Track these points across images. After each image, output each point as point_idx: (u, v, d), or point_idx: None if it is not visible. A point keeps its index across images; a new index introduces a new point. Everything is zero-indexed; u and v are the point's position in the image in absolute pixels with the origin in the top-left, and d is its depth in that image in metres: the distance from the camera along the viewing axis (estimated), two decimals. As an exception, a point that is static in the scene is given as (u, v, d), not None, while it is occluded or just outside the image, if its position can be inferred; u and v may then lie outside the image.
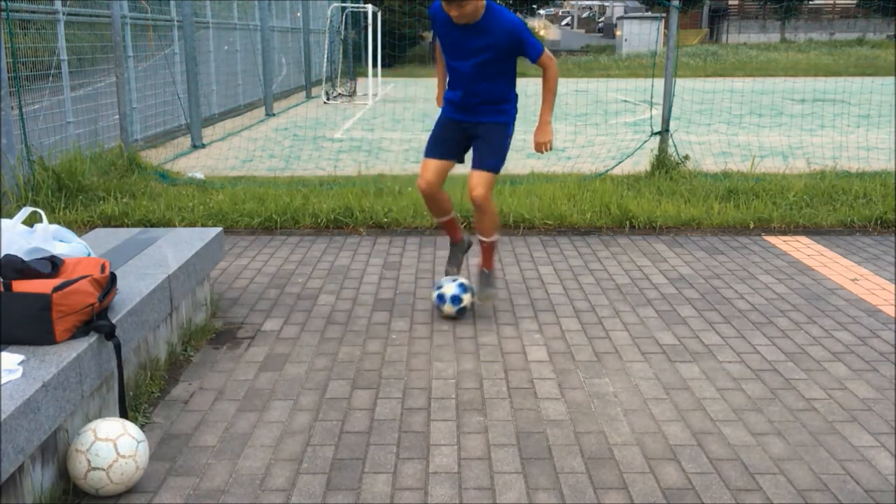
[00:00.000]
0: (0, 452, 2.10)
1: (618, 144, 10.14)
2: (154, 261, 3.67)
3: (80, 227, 5.88)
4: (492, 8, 3.90)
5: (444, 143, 4.19)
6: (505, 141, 4.15)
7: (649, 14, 38.84)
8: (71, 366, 2.51)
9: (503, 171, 4.17)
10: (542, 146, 4.10)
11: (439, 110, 4.30)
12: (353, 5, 19.98)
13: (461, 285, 4.22)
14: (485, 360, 3.70)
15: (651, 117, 8.57)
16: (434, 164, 4.16)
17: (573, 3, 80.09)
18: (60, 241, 3.25)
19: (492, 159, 4.09)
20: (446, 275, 4.41)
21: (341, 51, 19.17)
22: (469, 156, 4.21)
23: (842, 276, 5.03)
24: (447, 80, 4.20)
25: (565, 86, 19.45)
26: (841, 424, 3.11)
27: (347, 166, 8.83)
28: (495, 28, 3.89)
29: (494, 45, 3.93)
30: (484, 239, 4.24)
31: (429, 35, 42.46)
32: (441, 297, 4.21)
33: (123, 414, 2.83)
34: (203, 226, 6.02)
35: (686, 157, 7.67)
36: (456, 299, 4.18)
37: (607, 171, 7.81)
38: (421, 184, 4.17)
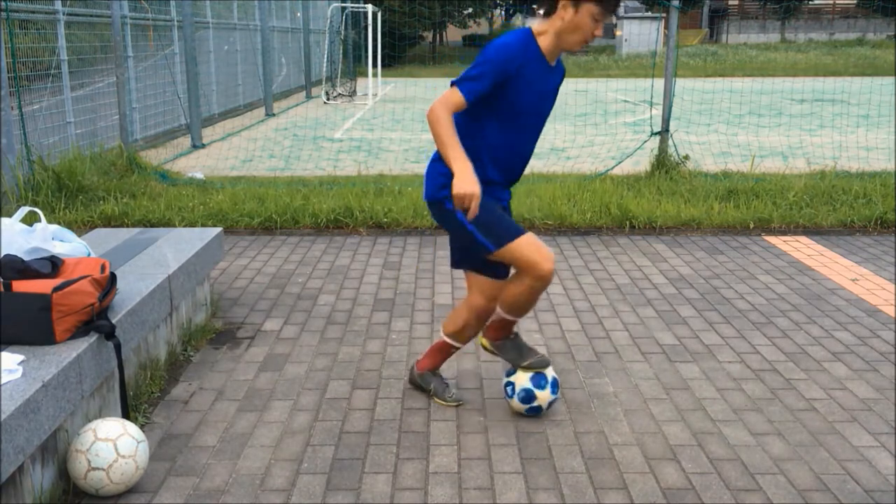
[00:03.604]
0: (0, 452, 2.10)
1: (618, 144, 10.14)
2: (154, 261, 3.67)
3: (80, 227, 5.88)
4: None
5: None
6: None
7: (649, 14, 38.77)
8: (71, 366, 2.51)
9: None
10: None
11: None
12: (353, 5, 19.98)
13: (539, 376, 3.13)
14: (485, 360, 3.70)
15: (651, 117, 8.57)
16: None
17: (573, 3, 79.90)
18: (60, 240, 3.25)
19: None
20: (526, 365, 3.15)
21: (341, 51, 19.17)
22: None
23: (842, 276, 5.03)
24: (487, 154, 2.95)
25: (565, 85, 19.35)
26: (841, 424, 3.11)
27: (347, 166, 8.83)
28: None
29: (561, 80, 3.04)
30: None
31: (428, 35, 42.32)
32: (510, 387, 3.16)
33: (124, 414, 2.83)
34: (203, 226, 6.02)
35: (686, 157, 7.67)
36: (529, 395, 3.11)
37: (607, 171, 7.81)
38: (550, 261, 2.86)
